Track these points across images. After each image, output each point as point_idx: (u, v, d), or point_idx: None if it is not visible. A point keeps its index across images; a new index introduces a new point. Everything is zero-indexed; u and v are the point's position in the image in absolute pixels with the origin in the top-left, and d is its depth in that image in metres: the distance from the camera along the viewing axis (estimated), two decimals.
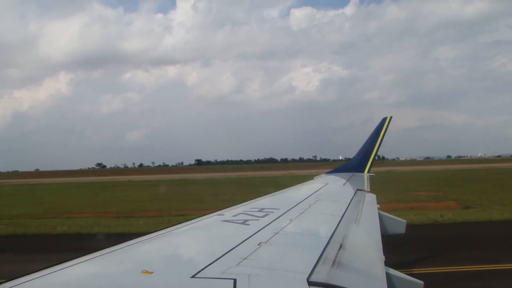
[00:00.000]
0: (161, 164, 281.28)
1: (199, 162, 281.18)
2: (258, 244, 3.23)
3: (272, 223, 4.22)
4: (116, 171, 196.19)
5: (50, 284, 2.38)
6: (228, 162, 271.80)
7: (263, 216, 4.60)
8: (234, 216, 4.64)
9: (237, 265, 2.63)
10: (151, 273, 2.41)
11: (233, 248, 3.05)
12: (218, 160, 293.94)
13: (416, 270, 12.82)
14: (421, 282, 3.53)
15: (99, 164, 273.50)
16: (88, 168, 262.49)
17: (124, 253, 3.10)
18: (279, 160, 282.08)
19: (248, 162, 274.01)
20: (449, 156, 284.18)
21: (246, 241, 3.33)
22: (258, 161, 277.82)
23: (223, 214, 4.78)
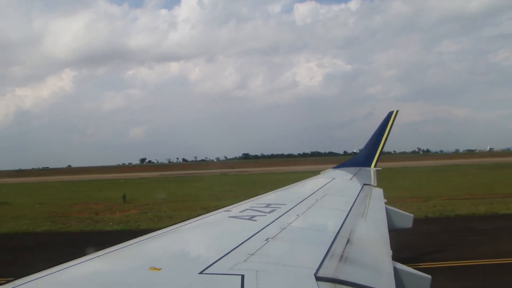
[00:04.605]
0: (204, 159, 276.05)
1: (246, 156, 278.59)
2: (266, 240, 3.24)
3: (279, 218, 4.23)
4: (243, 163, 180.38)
5: (59, 283, 2.41)
6: (274, 156, 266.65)
7: (270, 212, 4.60)
8: (241, 212, 4.65)
9: (245, 261, 2.64)
10: (159, 269, 2.43)
11: (240, 244, 3.05)
12: (265, 154, 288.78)
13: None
14: (429, 276, 3.52)
15: (143, 160, 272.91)
16: (131, 163, 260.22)
17: (132, 250, 3.12)
18: (323, 152, 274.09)
19: (290, 155, 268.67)
20: (457, 150, 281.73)
21: (254, 237, 3.34)
22: (302, 155, 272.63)
23: (230, 210, 4.79)
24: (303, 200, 5.68)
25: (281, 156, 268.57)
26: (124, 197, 35.31)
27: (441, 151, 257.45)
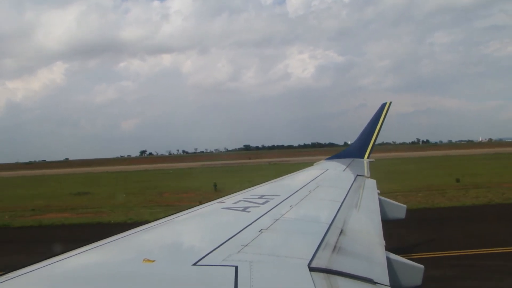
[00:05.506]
0: (204, 150, 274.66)
1: (247, 147, 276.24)
2: (259, 231, 3.24)
3: (273, 209, 4.23)
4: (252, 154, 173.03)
5: (52, 275, 2.39)
6: (275, 147, 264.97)
7: (263, 203, 4.61)
8: (235, 203, 4.66)
9: (238, 252, 2.64)
10: (153, 261, 2.42)
11: (234, 235, 3.05)
12: (265, 145, 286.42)
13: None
14: (422, 266, 3.55)
15: (143, 152, 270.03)
16: (130, 155, 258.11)
17: (126, 242, 3.11)
18: (323, 143, 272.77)
19: (290, 147, 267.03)
20: (450, 141, 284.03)
21: (247, 228, 3.34)
22: (302, 146, 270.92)
23: (223, 202, 4.79)
24: (296, 191, 5.69)
25: (282, 147, 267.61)
26: (215, 185, 35.28)
27: (441, 141, 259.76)
